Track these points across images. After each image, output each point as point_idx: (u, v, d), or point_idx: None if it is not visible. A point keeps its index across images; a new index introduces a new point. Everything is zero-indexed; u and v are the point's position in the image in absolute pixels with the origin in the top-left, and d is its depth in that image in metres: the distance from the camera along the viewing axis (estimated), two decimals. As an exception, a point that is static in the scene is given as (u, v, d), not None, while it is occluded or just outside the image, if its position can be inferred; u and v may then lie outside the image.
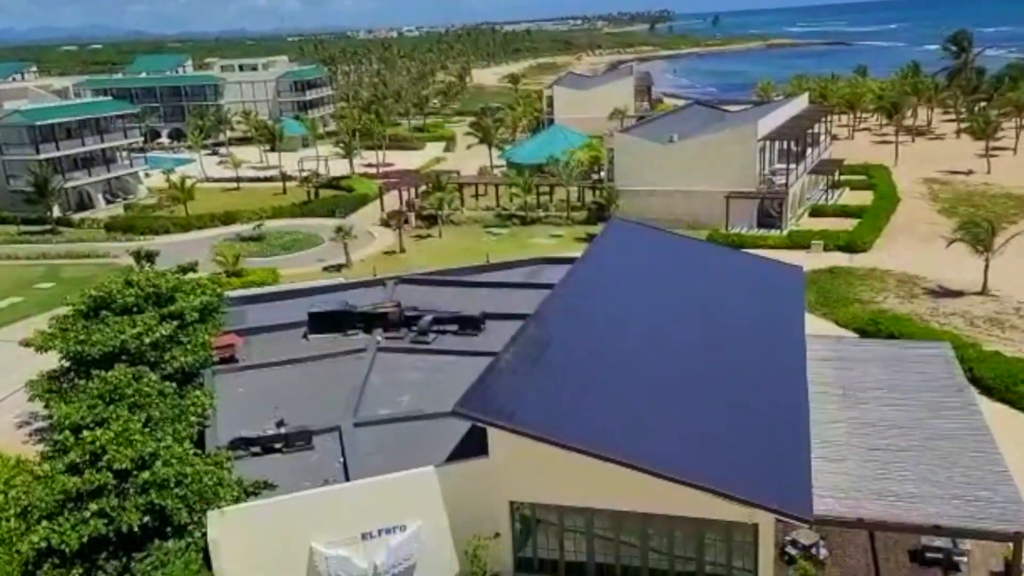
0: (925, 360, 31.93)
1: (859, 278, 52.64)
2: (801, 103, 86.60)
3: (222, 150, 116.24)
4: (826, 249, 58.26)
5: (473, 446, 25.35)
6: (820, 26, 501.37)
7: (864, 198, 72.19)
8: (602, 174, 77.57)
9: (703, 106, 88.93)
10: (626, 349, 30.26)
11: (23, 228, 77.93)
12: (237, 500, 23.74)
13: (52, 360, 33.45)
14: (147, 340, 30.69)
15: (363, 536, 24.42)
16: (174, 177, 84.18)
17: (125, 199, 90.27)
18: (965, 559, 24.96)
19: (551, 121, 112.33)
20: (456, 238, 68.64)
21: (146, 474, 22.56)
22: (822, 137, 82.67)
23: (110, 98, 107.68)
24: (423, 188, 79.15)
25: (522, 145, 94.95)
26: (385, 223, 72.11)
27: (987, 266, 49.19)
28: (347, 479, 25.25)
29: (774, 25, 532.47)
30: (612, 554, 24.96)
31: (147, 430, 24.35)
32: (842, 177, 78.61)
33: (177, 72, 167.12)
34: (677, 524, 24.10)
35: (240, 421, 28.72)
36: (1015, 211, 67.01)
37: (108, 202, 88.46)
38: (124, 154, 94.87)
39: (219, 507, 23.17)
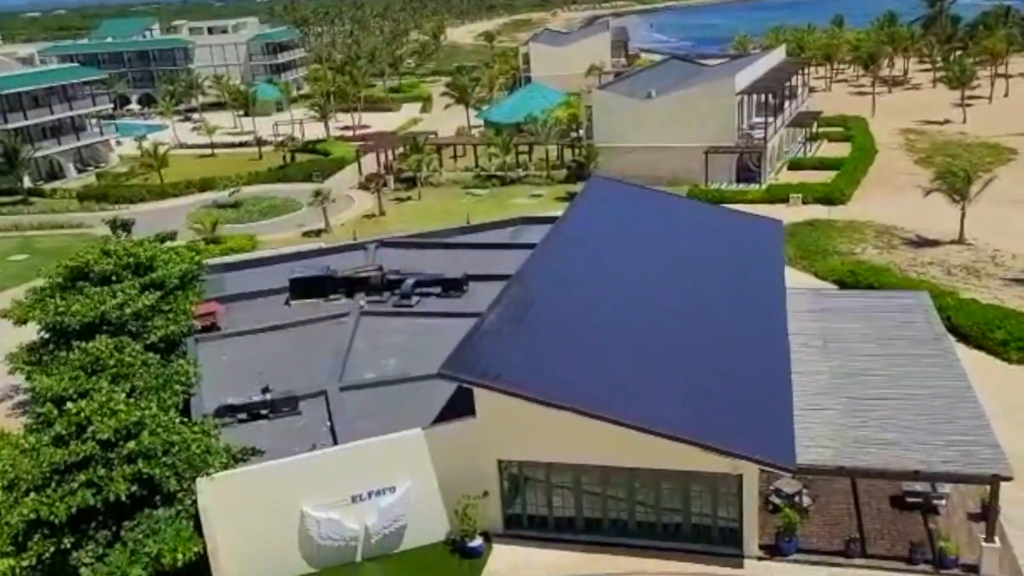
0: (904, 310, 32.32)
1: (838, 230, 52.97)
2: (778, 56, 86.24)
3: (195, 116, 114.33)
4: (805, 202, 58.46)
5: (460, 407, 25.50)
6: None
7: (842, 150, 72.35)
8: (581, 132, 77.12)
9: (680, 61, 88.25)
10: (609, 306, 30.40)
11: (-7, 199, 76.71)
12: (226, 467, 23.77)
13: (31, 332, 33.13)
14: (128, 310, 30.41)
15: (353, 499, 24.64)
16: (147, 144, 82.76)
17: (97, 168, 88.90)
18: (944, 503, 25.55)
19: (528, 79, 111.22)
20: (436, 200, 68.23)
21: (132, 444, 22.50)
22: (799, 89, 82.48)
23: (77, 64, 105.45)
24: (400, 150, 78.42)
25: (499, 104, 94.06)
26: (363, 186, 71.50)
27: (963, 215, 49.64)
28: (335, 443, 25.35)
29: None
30: (600, 509, 25.34)
31: (131, 400, 24.23)
32: (820, 129, 78.63)
33: (144, 36, 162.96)
34: (663, 477, 24.46)
35: (225, 389, 28.69)
36: (990, 160, 67.39)
37: (79, 171, 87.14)
38: (94, 122, 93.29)
39: (208, 474, 23.22)
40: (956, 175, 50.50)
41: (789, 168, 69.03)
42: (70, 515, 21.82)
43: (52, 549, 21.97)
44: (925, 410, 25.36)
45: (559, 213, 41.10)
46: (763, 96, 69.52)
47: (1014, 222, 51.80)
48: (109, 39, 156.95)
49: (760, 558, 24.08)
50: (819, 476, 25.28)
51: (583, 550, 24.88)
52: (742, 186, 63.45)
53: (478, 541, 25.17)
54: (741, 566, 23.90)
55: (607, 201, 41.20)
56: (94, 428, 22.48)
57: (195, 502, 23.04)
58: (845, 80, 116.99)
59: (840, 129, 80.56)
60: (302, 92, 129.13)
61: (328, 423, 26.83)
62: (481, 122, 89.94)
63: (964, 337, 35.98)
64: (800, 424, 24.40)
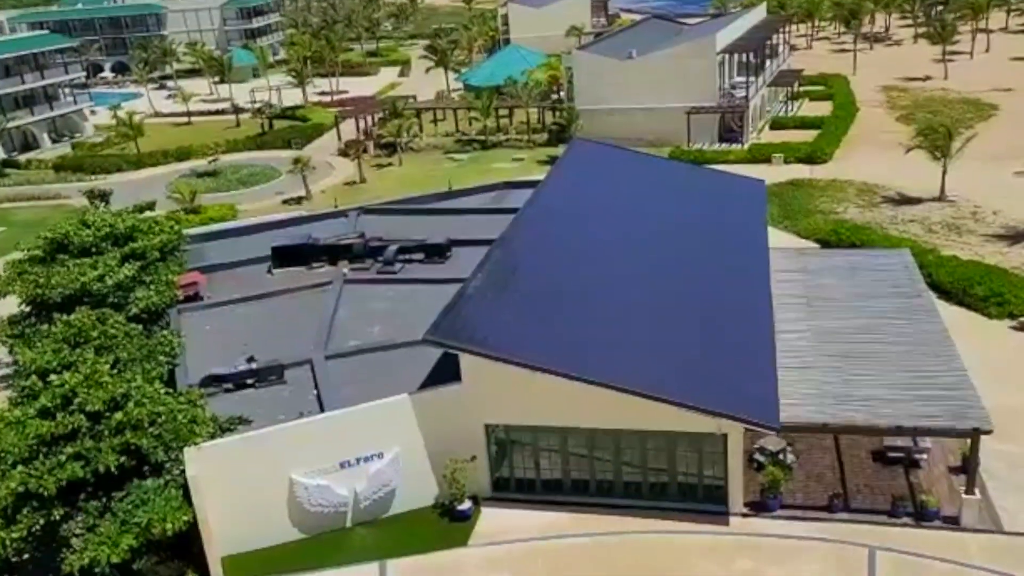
0: (885, 267, 32.60)
1: (820, 189, 53.11)
2: (759, 14, 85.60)
3: (170, 83, 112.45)
4: (787, 162, 58.51)
5: (446, 372, 25.55)
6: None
7: (823, 109, 72.28)
8: (562, 94, 76.57)
9: (661, 20, 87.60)
10: (593, 270, 30.43)
11: (-33, 172, 75.41)
12: (213, 437, 23.80)
13: (11, 305, 32.79)
14: (109, 282, 30.15)
15: (342, 465, 24.73)
16: (122, 113, 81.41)
17: (72, 138, 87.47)
18: (925, 456, 25.98)
19: (507, 41, 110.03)
20: (417, 166, 67.73)
21: (119, 415, 22.44)
22: (781, 48, 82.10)
23: (47, 32, 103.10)
24: (380, 115, 77.58)
25: (479, 67, 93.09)
26: (343, 153, 70.80)
27: (944, 172, 49.84)
28: (322, 411, 25.37)
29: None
30: (587, 470, 25.58)
31: (116, 372, 24.15)
32: (801, 88, 78.46)
33: (116, 2, 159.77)
34: (649, 438, 24.69)
35: (210, 359, 28.58)
36: (972, 116, 67.59)
37: (54, 142, 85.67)
38: (67, 91, 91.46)
39: (195, 444, 23.22)
40: (937, 132, 50.62)
41: (771, 128, 68.97)
42: (59, 487, 21.81)
43: (42, 521, 21.99)
44: (906, 366, 25.68)
45: (541, 177, 40.90)
46: (744, 55, 69.17)
47: (995, 178, 52.09)
48: (80, 5, 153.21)
49: (745, 515, 24.44)
50: (803, 433, 25.61)
51: (571, 511, 25.14)
52: (724, 146, 63.39)
53: (467, 505, 25.38)
54: (727, 523, 24.26)
55: (589, 164, 41.03)
56: (81, 400, 22.40)
57: (183, 472, 23.05)
58: (827, 37, 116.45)
59: (821, 87, 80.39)
60: (279, 58, 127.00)
61: (315, 391, 26.83)
62: (461, 85, 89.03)
63: (945, 293, 36.33)
64: (784, 382, 24.64)
